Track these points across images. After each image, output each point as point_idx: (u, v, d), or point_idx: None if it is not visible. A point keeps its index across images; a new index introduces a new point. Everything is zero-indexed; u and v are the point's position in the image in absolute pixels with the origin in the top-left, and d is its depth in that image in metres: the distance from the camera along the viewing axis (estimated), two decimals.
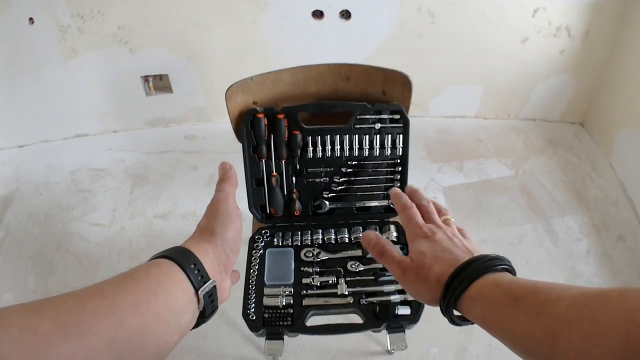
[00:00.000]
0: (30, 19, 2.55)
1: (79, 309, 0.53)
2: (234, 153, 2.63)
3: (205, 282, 0.70)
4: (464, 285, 0.72)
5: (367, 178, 1.41)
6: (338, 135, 1.35)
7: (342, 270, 1.32)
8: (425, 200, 0.95)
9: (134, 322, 0.57)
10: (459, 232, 0.87)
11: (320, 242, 1.39)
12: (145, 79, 2.92)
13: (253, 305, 1.25)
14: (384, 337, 1.89)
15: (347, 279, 1.29)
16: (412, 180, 1.42)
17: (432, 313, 1.69)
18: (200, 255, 0.72)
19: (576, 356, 0.52)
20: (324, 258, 1.34)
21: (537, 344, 0.58)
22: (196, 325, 0.72)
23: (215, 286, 0.72)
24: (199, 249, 0.74)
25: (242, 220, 0.88)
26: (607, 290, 0.55)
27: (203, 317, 0.72)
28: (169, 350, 0.64)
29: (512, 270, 0.75)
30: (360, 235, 1.36)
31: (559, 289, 0.62)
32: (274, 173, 1.38)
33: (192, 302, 0.68)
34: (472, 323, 0.76)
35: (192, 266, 0.69)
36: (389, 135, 1.35)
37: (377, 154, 1.38)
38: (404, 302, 1.24)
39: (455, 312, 0.76)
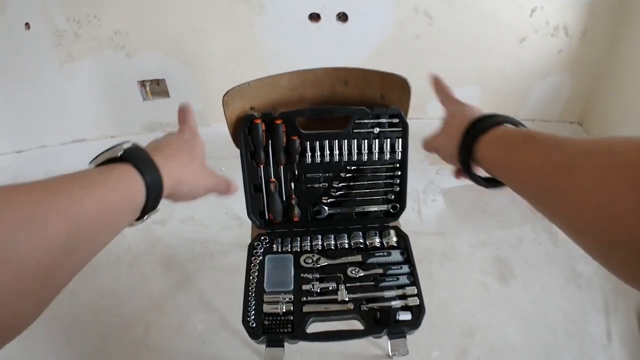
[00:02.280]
0: (26, 24, 2.54)
1: (45, 202, 0.53)
2: (232, 158, 2.62)
3: (155, 207, 0.70)
4: (486, 126, 0.77)
5: (366, 183, 1.40)
6: (337, 140, 1.34)
7: (342, 276, 1.31)
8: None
9: (91, 219, 0.57)
10: None
11: (319, 248, 1.38)
12: (142, 83, 2.91)
13: (253, 312, 1.24)
14: (384, 341, 1.88)
15: (348, 285, 1.28)
16: (411, 183, 1.41)
17: (432, 317, 1.69)
18: (166, 180, 0.72)
19: (593, 184, 0.52)
20: (323, 264, 1.33)
21: (555, 173, 0.58)
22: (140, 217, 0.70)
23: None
24: (169, 178, 0.73)
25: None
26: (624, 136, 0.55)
27: (142, 215, 0.70)
28: (105, 245, 0.62)
29: None
30: (360, 240, 1.37)
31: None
32: (273, 179, 1.37)
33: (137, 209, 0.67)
34: (489, 183, 0.83)
35: (156, 194, 0.69)
36: (388, 140, 1.35)
37: (376, 159, 1.37)
38: (404, 308, 1.23)
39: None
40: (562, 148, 0.60)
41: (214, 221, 2.46)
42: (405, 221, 1.46)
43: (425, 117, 3.11)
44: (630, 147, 0.50)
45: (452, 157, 0.87)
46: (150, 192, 0.68)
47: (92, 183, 0.61)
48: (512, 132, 0.74)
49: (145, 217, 0.70)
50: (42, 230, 0.51)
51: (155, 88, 2.97)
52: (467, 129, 0.80)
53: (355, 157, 1.36)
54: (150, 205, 0.68)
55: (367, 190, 1.41)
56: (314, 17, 2.64)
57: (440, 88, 1.09)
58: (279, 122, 1.30)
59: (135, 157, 0.69)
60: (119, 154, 0.68)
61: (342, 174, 1.38)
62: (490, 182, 0.83)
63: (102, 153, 0.69)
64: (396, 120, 1.33)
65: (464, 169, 0.83)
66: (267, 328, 1.22)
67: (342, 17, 2.65)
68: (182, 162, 0.81)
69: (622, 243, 0.47)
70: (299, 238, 1.40)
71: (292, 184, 1.39)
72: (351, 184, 1.39)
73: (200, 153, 0.89)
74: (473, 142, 0.78)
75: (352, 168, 1.37)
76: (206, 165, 0.90)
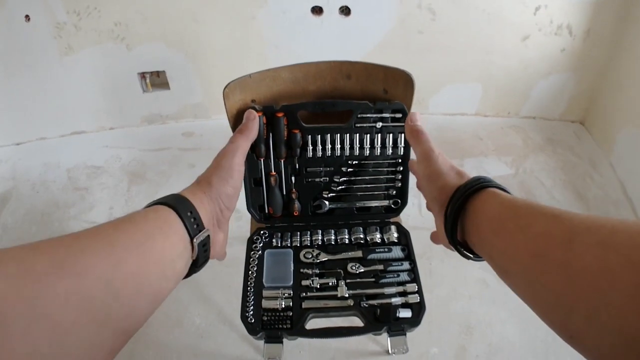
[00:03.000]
0: (27, 16, 2.54)
1: (76, 248, 0.53)
2: None
3: (200, 231, 0.72)
4: (483, 183, 0.74)
5: (367, 178, 1.38)
6: (338, 134, 1.32)
7: (342, 272, 1.29)
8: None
9: (131, 264, 0.57)
10: None
11: (319, 243, 1.37)
12: (142, 75, 2.91)
13: (252, 307, 1.23)
14: (383, 337, 1.88)
15: (348, 280, 1.27)
16: (412, 179, 1.40)
17: (432, 313, 1.67)
18: (196, 204, 0.74)
19: (593, 261, 0.48)
20: (323, 259, 1.32)
21: (552, 246, 0.55)
22: (188, 275, 0.74)
23: (209, 236, 0.74)
24: (194, 198, 0.76)
25: (242, 177, 0.93)
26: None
27: (195, 266, 0.74)
28: (163, 297, 0.64)
29: None
30: (361, 235, 1.36)
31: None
32: (273, 172, 1.35)
33: (186, 249, 0.69)
34: (469, 256, 0.78)
35: (189, 214, 0.71)
36: (391, 135, 1.33)
37: (378, 154, 1.35)
38: (405, 305, 1.22)
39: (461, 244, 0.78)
40: (563, 218, 0.57)
41: None
42: (405, 217, 1.45)
43: (426, 112, 3.12)
44: (636, 228, 0.47)
45: (439, 197, 0.82)
46: (179, 209, 0.70)
47: (122, 221, 0.63)
48: (511, 197, 0.70)
49: (196, 241, 0.71)
50: (77, 273, 0.50)
51: (156, 80, 2.97)
52: (468, 181, 0.78)
53: (357, 152, 1.34)
54: (188, 223, 0.70)
55: (369, 185, 1.39)
56: (317, 10, 2.64)
57: (416, 133, 0.96)
58: (280, 115, 1.28)
59: (157, 200, 0.73)
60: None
61: (344, 169, 1.36)
62: (475, 255, 0.78)
63: None
64: (399, 115, 1.32)
65: (451, 241, 0.79)
66: (266, 324, 1.20)
67: (345, 10, 2.64)
68: (201, 185, 0.85)
69: (617, 331, 0.44)
70: (298, 233, 1.39)
71: (293, 178, 1.37)
72: (352, 178, 1.37)
73: (237, 181, 0.92)
74: (468, 198, 0.75)
75: (354, 163, 1.35)
76: (240, 183, 0.93)
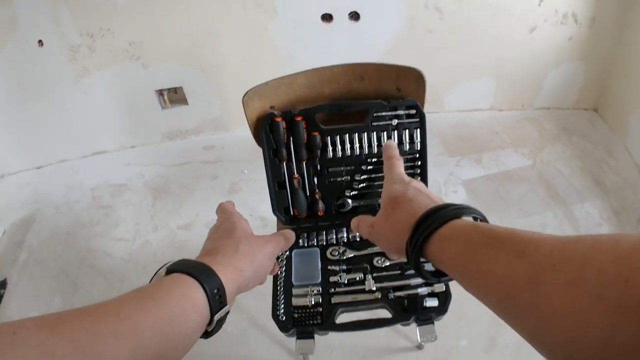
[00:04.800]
0: (39, 41, 2.59)
1: (96, 330, 0.51)
2: (252, 160, 2.66)
3: (222, 308, 0.69)
4: (438, 223, 0.68)
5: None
6: (356, 134, 1.36)
7: (368, 266, 1.32)
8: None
9: (152, 345, 0.56)
10: None
11: (345, 241, 1.40)
12: (160, 92, 2.95)
13: (282, 306, 1.26)
14: (412, 332, 1.90)
15: (374, 274, 1.30)
16: (431, 175, 1.43)
17: (460, 306, 1.69)
18: (225, 281, 0.70)
19: (561, 305, 0.44)
20: (350, 256, 1.35)
21: (517, 289, 0.51)
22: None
23: (228, 312, 0.71)
24: (225, 275, 0.71)
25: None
26: (597, 235, 0.48)
27: (207, 335, 0.70)
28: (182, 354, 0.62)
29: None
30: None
31: (544, 234, 0.55)
32: (296, 175, 1.39)
33: (205, 322, 0.66)
34: (440, 279, 0.75)
35: (215, 291, 0.67)
36: (406, 131, 1.36)
37: None
38: (431, 294, 1.25)
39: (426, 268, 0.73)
40: (525, 257, 0.52)
41: None
42: None
43: (442, 110, 3.13)
44: (607, 258, 0.43)
45: (397, 252, 0.78)
46: (206, 285, 0.66)
47: (145, 296, 0.60)
48: (470, 231, 0.64)
49: (217, 317, 0.68)
50: (98, 358, 0.50)
51: (173, 96, 3.01)
52: (418, 224, 0.71)
53: (375, 150, 1.37)
54: (213, 302, 0.66)
55: None
56: (327, 17, 2.67)
57: (388, 156, 0.95)
58: (299, 119, 1.32)
59: (179, 265, 0.69)
60: (164, 273, 0.68)
61: (364, 167, 1.39)
62: (442, 276, 0.74)
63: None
64: (413, 111, 1.35)
65: (414, 268, 0.73)
66: (297, 320, 1.23)
67: (354, 16, 2.67)
68: (228, 250, 0.79)
69: None
70: (324, 232, 1.42)
71: (315, 179, 1.41)
72: (373, 176, 1.40)
73: (241, 231, 0.85)
74: (425, 241, 0.69)
75: (373, 160, 1.39)
76: (254, 237, 0.87)
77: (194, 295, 0.65)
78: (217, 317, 0.67)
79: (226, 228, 0.86)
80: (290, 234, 0.98)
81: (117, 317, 0.55)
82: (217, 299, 0.67)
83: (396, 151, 0.96)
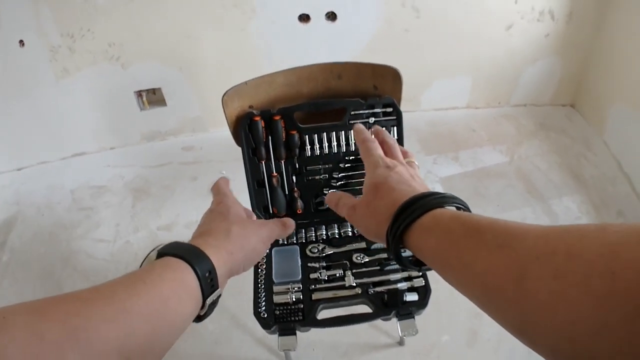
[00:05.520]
0: (21, 41, 2.57)
1: (86, 314, 0.52)
2: (231, 161, 2.66)
3: (214, 291, 0.69)
4: (418, 213, 0.67)
5: (365, 172, 1.42)
6: (334, 132, 1.37)
7: (348, 263, 1.34)
8: (391, 139, 0.96)
9: (144, 329, 0.56)
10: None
11: (324, 238, 1.41)
12: (139, 93, 2.94)
13: (264, 303, 1.26)
14: (393, 329, 1.91)
15: (354, 270, 1.31)
16: None
17: (440, 302, 1.71)
18: (217, 264, 0.70)
19: (548, 297, 0.43)
20: (329, 252, 1.36)
21: (501, 283, 0.50)
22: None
23: (220, 295, 0.72)
24: (218, 257, 0.72)
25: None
26: (583, 225, 0.47)
27: (199, 319, 0.71)
28: (168, 350, 0.62)
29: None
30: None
31: (527, 225, 0.53)
32: (275, 173, 1.40)
33: (197, 306, 0.67)
34: (421, 268, 0.76)
35: (207, 274, 0.68)
36: (383, 128, 1.37)
37: None
38: (411, 289, 1.26)
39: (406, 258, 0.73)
40: (509, 249, 0.51)
41: None
42: None
43: (419, 109, 3.15)
44: (594, 249, 0.42)
45: (377, 238, 0.77)
46: (198, 268, 0.66)
47: (136, 279, 0.61)
48: (451, 221, 0.63)
49: (209, 301, 0.68)
50: (89, 343, 0.50)
51: (152, 97, 3.00)
52: (398, 213, 0.70)
53: (353, 148, 1.39)
54: (204, 285, 0.67)
55: None
56: (304, 18, 2.68)
57: (362, 140, 0.95)
58: (277, 118, 1.33)
59: (170, 248, 0.69)
60: (155, 257, 0.68)
61: (342, 165, 1.41)
62: (422, 265, 0.74)
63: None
64: (390, 109, 1.37)
65: (394, 257, 0.72)
66: (279, 317, 1.24)
67: (331, 16, 2.68)
68: (220, 233, 0.80)
69: None
70: (303, 229, 1.43)
71: (294, 177, 1.42)
72: (350, 173, 1.42)
73: (235, 216, 0.86)
74: (405, 230, 0.68)
75: (351, 158, 1.40)
76: (248, 221, 0.88)
77: (186, 278, 0.66)
78: (209, 300, 0.68)
79: (220, 211, 0.87)
80: (290, 222, 0.99)
81: (108, 301, 0.55)
82: (209, 282, 0.68)
83: (367, 134, 0.96)
